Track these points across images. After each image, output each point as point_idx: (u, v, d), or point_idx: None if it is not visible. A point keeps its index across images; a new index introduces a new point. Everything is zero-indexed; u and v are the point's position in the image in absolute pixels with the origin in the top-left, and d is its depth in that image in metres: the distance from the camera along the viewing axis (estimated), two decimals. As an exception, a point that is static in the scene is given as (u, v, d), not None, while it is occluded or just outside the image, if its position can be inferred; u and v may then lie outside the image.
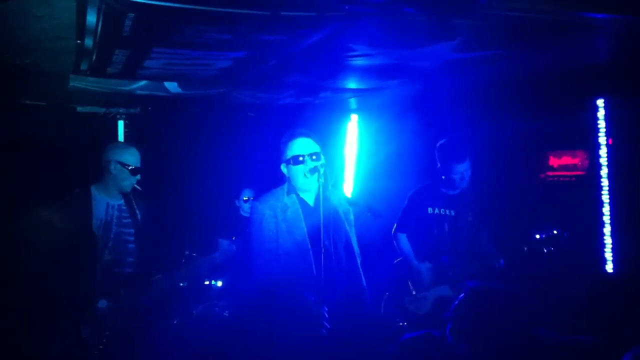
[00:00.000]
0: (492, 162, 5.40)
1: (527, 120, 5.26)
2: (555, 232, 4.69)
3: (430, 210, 5.05)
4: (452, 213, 5.02)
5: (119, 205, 4.42)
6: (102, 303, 4.13)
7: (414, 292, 5.01)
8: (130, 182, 4.40)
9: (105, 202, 4.37)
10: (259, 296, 3.85)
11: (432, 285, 4.97)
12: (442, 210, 5.04)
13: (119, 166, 4.36)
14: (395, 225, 5.19)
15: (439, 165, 5.00)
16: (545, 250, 4.71)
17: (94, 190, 4.38)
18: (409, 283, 5.04)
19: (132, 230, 4.41)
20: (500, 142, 5.45)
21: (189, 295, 5.05)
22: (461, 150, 4.90)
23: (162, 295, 4.46)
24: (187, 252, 5.13)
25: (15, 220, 4.35)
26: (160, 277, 4.45)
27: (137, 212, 4.48)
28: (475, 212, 5.01)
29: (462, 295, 2.73)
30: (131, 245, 4.38)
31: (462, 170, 4.88)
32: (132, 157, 4.41)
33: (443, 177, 4.99)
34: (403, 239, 5.14)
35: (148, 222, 4.52)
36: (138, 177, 4.44)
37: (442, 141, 5.03)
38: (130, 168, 4.38)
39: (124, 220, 4.40)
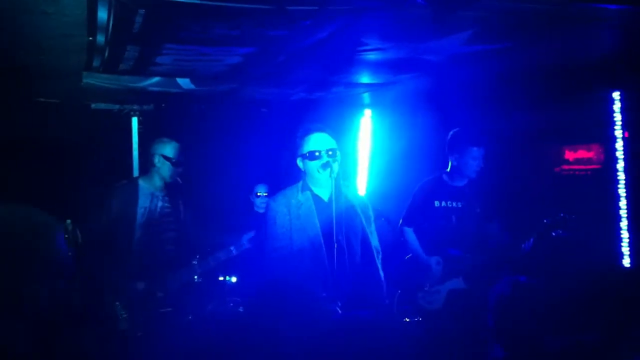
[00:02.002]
0: (506, 155, 5.37)
1: (541, 114, 5.22)
2: (568, 221, 4.63)
3: (437, 203, 5.02)
4: (460, 205, 4.99)
5: (163, 196, 4.83)
6: (140, 285, 4.56)
7: (426, 288, 4.98)
8: (172, 173, 4.82)
9: (150, 192, 4.79)
10: (272, 293, 3.87)
11: (444, 279, 4.94)
12: (449, 202, 5.01)
13: (162, 159, 4.77)
14: (401, 220, 5.16)
15: (452, 153, 4.97)
16: (560, 244, 4.67)
17: (141, 181, 4.83)
18: (420, 279, 5.01)
19: (172, 219, 4.83)
20: (514, 135, 5.41)
21: (203, 291, 5.07)
22: (478, 135, 4.90)
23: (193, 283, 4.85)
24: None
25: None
26: (196, 263, 4.85)
27: (179, 203, 4.91)
28: (483, 204, 4.97)
29: (506, 289, 2.68)
30: (171, 234, 4.81)
31: (479, 155, 4.86)
32: (173, 151, 4.81)
33: (451, 166, 4.97)
34: (409, 234, 5.11)
35: (187, 213, 4.95)
36: (180, 169, 4.85)
37: (456, 129, 5.00)
38: (172, 160, 4.77)
39: (166, 210, 4.82)
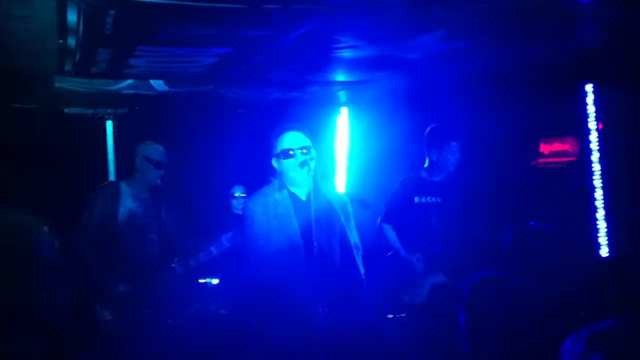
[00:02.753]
0: (483, 149, 5.40)
1: (517, 108, 5.26)
2: (547, 218, 4.69)
3: (416, 199, 5.03)
4: (439, 200, 5.01)
5: (145, 198, 4.79)
6: (121, 287, 4.52)
7: (408, 283, 4.99)
8: (154, 175, 4.78)
9: (133, 194, 4.76)
10: (253, 294, 3.84)
11: (426, 274, 4.95)
12: (428, 198, 5.03)
13: (144, 161, 4.75)
14: (379, 217, 5.17)
15: (430, 148, 4.99)
16: (538, 237, 4.71)
17: (124, 184, 4.81)
18: (403, 275, 5.02)
19: (155, 221, 4.79)
20: (490, 130, 5.44)
21: (185, 294, 5.03)
22: (453, 129, 4.93)
23: (175, 285, 4.81)
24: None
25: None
26: (176, 265, 4.81)
27: (161, 205, 4.87)
28: (462, 199, 5.00)
29: (469, 284, 2.67)
30: (153, 235, 4.78)
31: (456, 149, 4.89)
32: (156, 153, 4.79)
33: (428, 161, 4.99)
34: (389, 230, 5.11)
35: (169, 215, 4.91)
36: (162, 171, 4.81)
37: (433, 125, 5.03)
38: (154, 163, 4.75)
39: (149, 212, 4.78)
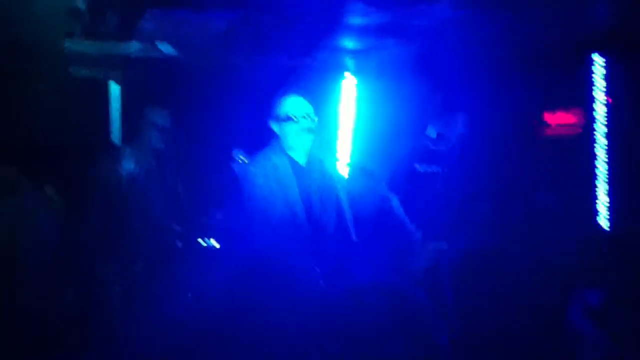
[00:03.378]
0: (488, 120, 5.40)
1: (524, 79, 5.24)
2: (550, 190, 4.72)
3: (421, 167, 5.05)
4: (443, 170, 5.04)
5: (149, 162, 4.74)
6: (128, 243, 4.48)
7: (409, 251, 5.03)
8: (158, 139, 4.72)
9: (137, 159, 4.68)
10: (254, 258, 3.88)
11: (426, 242, 4.99)
12: (433, 167, 5.05)
13: (149, 125, 4.70)
14: (384, 185, 5.19)
15: (434, 118, 5.00)
16: (540, 208, 4.74)
17: (128, 148, 4.74)
18: (403, 243, 5.05)
19: (160, 185, 4.75)
20: (497, 100, 5.43)
21: (186, 256, 5.09)
22: (459, 101, 4.93)
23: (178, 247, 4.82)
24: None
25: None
26: (179, 230, 4.81)
27: (166, 169, 4.84)
28: (466, 169, 5.02)
29: (455, 257, 2.72)
30: (156, 199, 4.74)
31: (461, 121, 4.90)
32: (160, 117, 4.73)
33: (434, 131, 5.00)
34: (394, 199, 5.14)
35: (176, 178, 4.91)
36: (167, 135, 4.76)
37: (437, 95, 5.03)
38: (159, 127, 4.70)
39: (153, 176, 4.73)
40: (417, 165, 5.05)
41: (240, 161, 5.78)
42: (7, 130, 5.24)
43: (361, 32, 4.72)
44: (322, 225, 3.76)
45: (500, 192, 4.98)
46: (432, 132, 5.06)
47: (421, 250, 4.98)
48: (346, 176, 4.07)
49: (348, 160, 6.67)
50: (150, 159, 4.81)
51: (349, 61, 6.17)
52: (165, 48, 5.11)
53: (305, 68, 6.01)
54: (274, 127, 3.86)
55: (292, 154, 3.87)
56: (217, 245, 5.41)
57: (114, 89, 6.04)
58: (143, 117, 4.76)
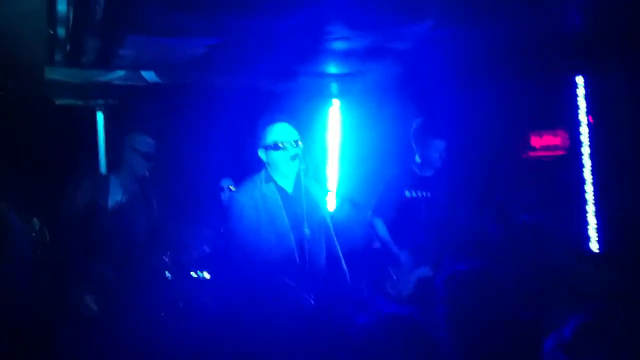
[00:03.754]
0: (472, 142, 5.40)
1: (507, 100, 5.26)
2: (537, 212, 4.70)
3: (407, 193, 5.04)
4: (428, 195, 5.03)
5: (134, 190, 4.76)
6: (109, 272, 4.48)
7: (394, 277, 4.99)
8: (142, 167, 4.74)
9: (121, 185, 4.72)
10: (243, 287, 3.84)
11: (412, 269, 4.96)
12: (418, 192, 5.04)
13: (132, 152, 4.72)
14: (370, 211, 5.16)
15: (415, 144, 5.00)
16: (528, 231, 4.72)
17: (112, 175, 4.80)
18: (389, 268, 5.02)
19: (144, 213, 4.76)
20: (480, 122, 5.44)
21: (176, 287, 5.03)
22: (439, 127, 4.93)
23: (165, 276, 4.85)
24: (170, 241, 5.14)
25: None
26: (167, 258, 4.84)
27: (151, 197, 4.85)
28: (451, 193, 5.02)
29: (444, 276, 2.69)
30: (141, 227, 4.75)
31: (440, 147, 4.91)
32: (145, 145, 4.75)
33: (418, 156, 4.99)
34: (379, 224, 5.11)
35: (159, 206, 4.91)
36: (151, 163, 4.77)
37: (418, 120, 5.04)
38: (143, 154, 4.71)
39: (138, 204, 4.75)
40: (404, 191, 5.04)
41: (228, 190, 5.76)
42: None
43: (345, 56, 4.72)
44: (312, 253, 3.77)
45: (487, 215, 4.97)
46: (417, 157, 5.06)
47: (411, 274, 4.96)
48: (333, 205, 4.08)
49: (334, 188, 6.67)
50: (135, 186, 4.77)
51: (333, 85, 6.18)
52: (149, 75, 5.09)
53: (289, 92, 6.02)
54: (261, 154, 3.87)
55: (279, 181, 3.87)
56: (207, 276, 5.36)
57: (99, 116, 6.02)
58: (126, 144, 4.75)
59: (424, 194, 5.05)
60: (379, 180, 5.29)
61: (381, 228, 5.11)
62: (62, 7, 3.26)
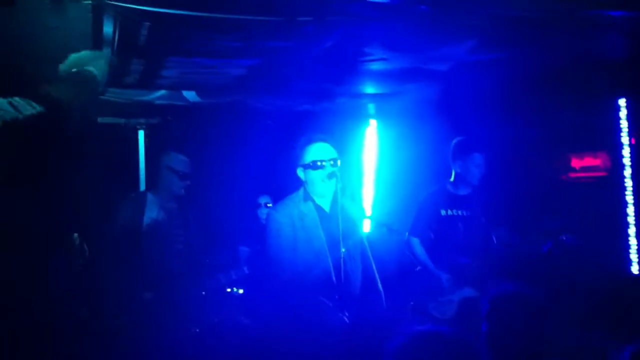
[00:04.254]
0: (512, 162, 5.36)
1: (548, 121, 5.21)
2: (577, 233, 4.64)
3: (443, 212, 5.00)
4: (465, 213, 4.98)
5: (171, 208, 4.76)
6: (147, 295, 4.48)
7: (438, 298, 4.95)
8: (178, 186, 4.74)
9: (158, 204, 4.74)
10: (278, 304, 3.85)
11: (455, 289, 4.91)
12: (454, 211, 4.99)
13: (169, 172, 4.73)
14: (407, 231, 5.14)
15: (454, 161, 4.97)
16: (568, 252, 4.65)
17: (149, 194, 4.81)
18: (431, 289, 4.98)
19: (180, 232, 4.76)
20: (520, 142, 5.39)
21: (210, 304, 5.07)
22: (478, 144, 4.90)
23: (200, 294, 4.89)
24: (207, 260, 5.19)
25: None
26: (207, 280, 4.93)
27: (188, 215, 4.85)
28: (489, 212, 4.96)
29: (488, 302, 2.68)
30: (179, 246, 4.76)
31: (480, 162, 4.87)
32: (181, 164, 4.76)
33: (456, 175, 4.97)
34: (417, 245, 5.07)
35: (195, 225, 4.90)
36: (187, 182, 4.77)
37: (459, 138, 5.01)
38: (179, 174, 4.72)
39: (175, 222, 4.75)
40: (440, 210, 5.01)
41: (266, 208, 5.80)
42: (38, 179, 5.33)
43: (382, 76, 4.74)
44: (349, 272, 3.75)
45: (526, 236, 4.91)
46: (452, 176, 5.03)
47: (454, 295, 4.91)
48: (369, 227, 4.06)
49: (370, 208, 6.66)
50: (172, 204, 4.82)
51: (370, 105, 6.20)
52: (190, 95, 5.18)
53: (327, 112, 6.05)
54: (300, 173, 3.88)
55: (317, 200, 3.88)
56: (240, 291, 5.40)
57: (140, 135, 6.13)
58: (162, 163, 4.79)
59: (462, 212, 5.01)
60: (414, 199, 5.27)
61: (419, 248, 5.08)
62: (108, 29, 3.35)
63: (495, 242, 4.94)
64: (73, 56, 3.51)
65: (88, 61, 3.56)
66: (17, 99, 4.07)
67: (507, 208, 5.03)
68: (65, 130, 5.44)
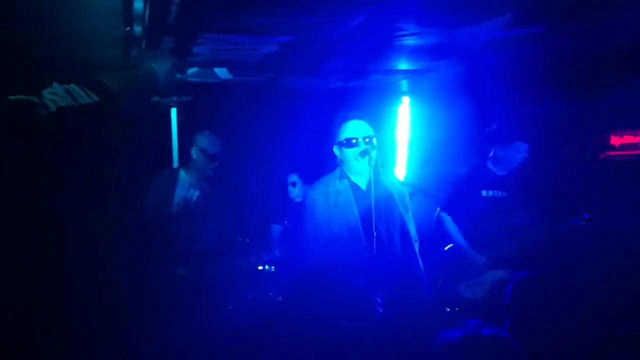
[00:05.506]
0: (550, 141, 5.25)
1: (586, 99, 5.08)
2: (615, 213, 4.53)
3: (483, 192, 4.93)
4: (503, 194, 4.90)
5: (201, 187, 4.90)
6: (180, 271, 4.63)
7: (469, 279, 4.89)
8: (207, 167, 4.88)
9: (188, 183, 4.88)
10: (311, 282, 3.85)
11: (487, 270, 4.85)
12: (492, 191, 4.92)
13: (199, 152, 4.86)
14: (439, 207, 5.07)
15: (496, 143, 4.88)
16: (604, 233, 4.55)
17: (181, 172, 4.95)
18: (463, 269, 4.92)
19: (211, 210, 4.88)
20: (558, 122, 5.28)
21: (243, 281, 5.10)
22: (519, 129, 4.81)
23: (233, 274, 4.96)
24: (240, 239, 5.21)
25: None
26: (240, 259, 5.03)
27: (219, 194, 4.97)
28: (527, 194, 4.88)
29: (511, 286, 2.63)
30: (209, 224, 4.88)
31: (523, 149, 4.78)
32: (211, 145, 4.88)
33: (495, 155, 4.88)
34: (449, 222, 5.01)
35: (226, 204, 5.02)
36: (216, 163, 4.90)
37: (501, 120, 4.92)
38: (209, 154, 4.84)
39: (203, 201, 4.88)
40: (477, 189, 4.94)
41: (294, 187, 5.80)
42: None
43: (415, 52, 4.66)
44: (384, 248, 3.72)
45: (564, 216, 4.81)
46: (494, 156, 4.94)
47: (486, 276, 4.85)
48: (406, 198, 4.00)
49: (406, 181, 6.61)
50: (203, 183, 4.86)
51: (403, 82, 6.12)
52: (221, 72, 5.16)
53: (360, 90, 5.99)
54: (335, 151, 3.88)
55: (354, 178, 3.86)
56: (273, 269, 5.42)
57: (172, 112, 6.14)
58: (193, 144, 4.90)
59: (498, 193, 4.94)
60: (447, 177, 5.20)
61: (451, 226, 5.01)
62: (138, 5, 3.34)
63: (531, 223, 4.87)
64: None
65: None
66: (74, 86, 4.16)
67: (546, 188, 4.94)
68: (115, 120, 5.52)
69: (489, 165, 4.98)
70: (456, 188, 5.03)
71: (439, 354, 1.79)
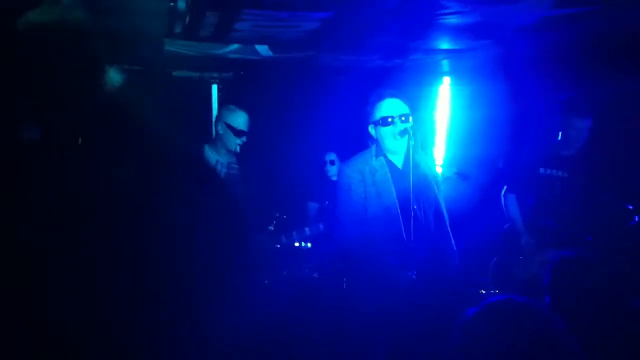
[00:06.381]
0: (615, 123, 5.12)
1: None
2: None
3: (542, 170, 4.85)
4: (565, 175, 4.82)
5: (228, 163, 4.84)
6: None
7: (520, 258, 4.84)
8: (235, 142, 4.77)
9: (215, 159, 4.81)
10: (347, 260, 3.88)
11: (538, 250, 4.78)
12: (554, 171, 4.84)
13: (225, 127, 4.75)
14: (505, 186, 5.00)
15: (559, 121, 4.81)
16: None
17: (207, 147, 4.84)
18: (516, 248, 4.87)
19: (237, 187, 4.78)
20: (619, 102, 5.13)
21: (280, 256, 5.15)
22: (584, 107, 4.72)
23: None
24: (277, 214, 5.24)
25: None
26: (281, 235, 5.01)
27: (245, 171, 4.90)
28: (592, 175, 4.76)
29: (551, 266, 2.61)
30: (237, 201, 4.68)
31: (582, 127, 4.70)
32: (238, 120, 4.77)
33: (563, 133, 4.80)
34: (512, 201, 4.95)
35: (253, 181, 4.90)
36: (244, 138, 4.78)
37: (564, 96, 4.84)
38: (235, 130, 4.73)
39: (230, 177, 4.80)
40: (540, 168, 4.87)
41: (332, 165, 5.82)
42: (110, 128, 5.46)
43: (457, 31, 4.60)
44: (420, 229, 3.72)
45: (623, 199, 4.70)
46: (561, 135, 4.86)
47: (537, 257, 4.78)
48: (439, 177, 4.00)
49: (443, 162, 6.58)
50: (230, 159, 4.87)
51: (444, 62, 6.06)
52: (262, 49, 5.18)
53: (400, 69, 5.96)
54: (371, 130, 3.87)
55: (390, 156, 3.86)
56: (309, 245, 5.46)
57: (213, 89, 6.21)
58: (220, 117, 4.83)
59: (560, 173, 4.85)
60: (487, 158, 5.14)
61: (513, 205, 4.95)
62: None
63: (592, 206, 4.76)
64: None
65: None
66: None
67: (612, 171, 4.82)
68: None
69: (558, 144, 4.88)
70: (523, 166, 4.96)
71: (470, 322, 1.79)
